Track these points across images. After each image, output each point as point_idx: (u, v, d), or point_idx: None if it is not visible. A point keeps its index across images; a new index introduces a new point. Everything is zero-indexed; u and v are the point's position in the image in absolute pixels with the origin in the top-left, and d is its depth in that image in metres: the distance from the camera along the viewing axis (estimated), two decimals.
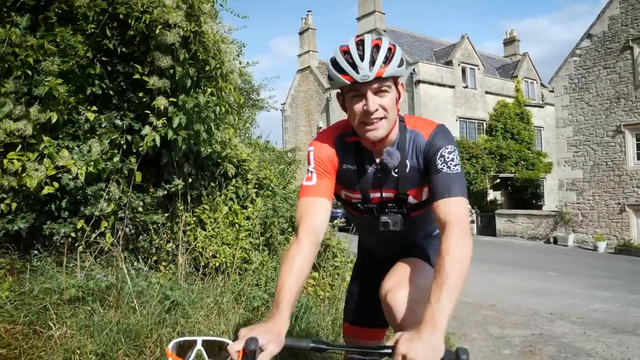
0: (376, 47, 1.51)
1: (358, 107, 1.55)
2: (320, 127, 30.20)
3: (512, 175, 26.23)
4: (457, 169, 1.59)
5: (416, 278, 1.69)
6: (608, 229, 17.47)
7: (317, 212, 1.59)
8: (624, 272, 11.95)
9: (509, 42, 34.39)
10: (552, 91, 19.80)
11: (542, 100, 29.45)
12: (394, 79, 1.57)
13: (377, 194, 1.75)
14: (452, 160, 1.59)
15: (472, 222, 21.63)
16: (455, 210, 1.50)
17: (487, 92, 26.92)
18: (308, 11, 32.99)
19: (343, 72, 1.52)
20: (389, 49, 1.53)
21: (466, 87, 26.15)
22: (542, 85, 29.72)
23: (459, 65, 25.77)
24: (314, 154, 1.69)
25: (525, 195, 25.97)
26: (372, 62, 1.49)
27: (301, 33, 32.50)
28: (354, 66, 1.50)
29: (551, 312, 6.75)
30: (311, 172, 1.67)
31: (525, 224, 20.42)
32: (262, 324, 1.29)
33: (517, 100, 27.80)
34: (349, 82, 1.51)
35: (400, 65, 1.55)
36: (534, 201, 26.19)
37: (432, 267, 1.79)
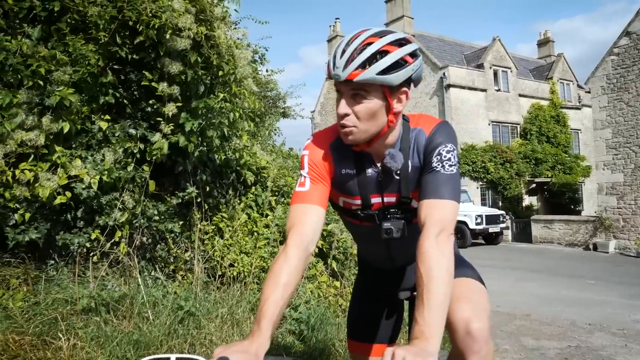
0: (366, 46, 1.35)
1: (336, 106, 1.46)
2: None
3: (548, 179, 25.40)
4: (453, 170, 1.45)
5: (482, 302, 1.53)
6: None
7: (308, 221, 1.46)
8: None
9: (543, 43, 33.42)
10: (589, 92, 19.06)
11: (579, 102, 28.46)
12: (383, 87, 1.38)
13: (378, 199, 1.61)
14: (449, 160, 1.45)
15: (507, 228, 21.00)
16: (437, 214, 1.37)
17: (520, 95, 26.22)
18: (336, 18, 33.01)
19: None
20: (381, 52, 1.35)
21: (498, 90, 25.54)
22: (578, 86, 28.71)
23: (490, 68, 25.21)
24: (308, 158, 1.57)
25: (563, 200, 25.09)
26: (350, 62, 1.34)
27: (329, 40, 32.57)
28: (334, 60, 1.38)
29: (589, 323, 6.39)
30: (304, 177, 1.54)
31: (562, 230, 19.65)
32: (240, 342, 1.17)
33: (552, 102, 26.97)
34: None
35: (388, 72, 1.35)
36: (572, 206, 25.26)
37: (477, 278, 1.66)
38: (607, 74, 17.72)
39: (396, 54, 1.37)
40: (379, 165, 1.57)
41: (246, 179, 4.68)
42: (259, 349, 1.15)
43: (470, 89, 24.30)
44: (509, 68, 25.93)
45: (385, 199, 1.61)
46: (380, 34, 1.40)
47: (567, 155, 26.33)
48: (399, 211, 1.62)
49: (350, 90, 1.39)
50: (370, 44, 1.36)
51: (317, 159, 1.56)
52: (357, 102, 1.40)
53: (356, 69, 1.35)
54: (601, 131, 17.98)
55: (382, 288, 1.93)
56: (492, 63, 25.33)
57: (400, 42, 1.39)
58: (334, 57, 1.38)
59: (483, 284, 1.66)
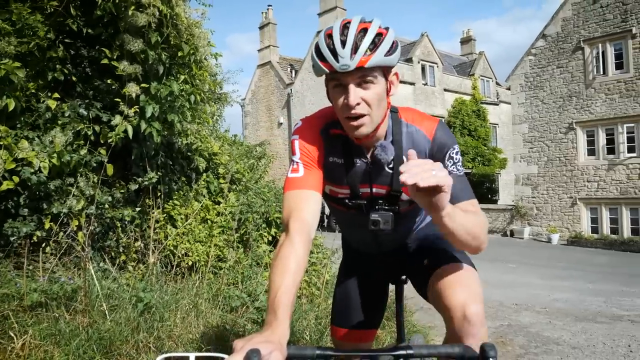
0: (362, 32, 1.34)
1: (340, 99, 1.39)
2: (281, 123, 29.89)
3: (469, 170, 26.89)
4: (462, 170, 1.51)
5: (475, 286, 1.54)
6: (561, 222, 18.20)
7: (307, 207, 1.42)
8: (578, 262, 12.46)
9: (466, 41, 35.19)
10: (509, 89, 20.40)
11: (497, 98, 30.34)
12: (384, 69, 1.40)
13: (367, 189, 1.60)
14: (459, 161, 1.51)
15: None
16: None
17: (445, 90, 27.44)
18: (269, 5, 32.37)
19: (323, 59, 1.35)
20: (378, 34, 1.36)
21: (426, 84, 26.56)
22: (497, 83, 30.60)
23: (418, 62, 26.12)
24: (300, 144, 1.52)
25: (481, 190, 26.72)
26: (355, 50, 1.32)
27: (261, 27, 31.99)
28: (334, 53, 1.33)
29: (516, 303, 6.86)
30: (297, 162, 1.50)
31: None
32: (259, 334, 1.11)
33: (473, 97, 28.50)
34: (328, 71, 1.35)
35: (390, 52, 1.37)
36: (489, 196, 27.00)
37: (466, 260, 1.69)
38: (525, 72, 19.06)
39: (390, 36, 1.38)
40: (368, 156, 1.55)
41: (198, 165, 4.50)
42: (282, 338, 1.10)
43: (399, 82, 24.97)
44: (436, 63, 27.01)
45: (374, 190, 1.60)
46: (364, 20, 1.40)
47: (486, 148, 28.02)
48: (388, 202, 1.61)
49: (358, 78, 1.36)
50: (365, 29, 1.35)
51: (309, 145, 1.52)
52: (365, 88, 1.38)
53: (364, 54, 1.32)
54: (519, 126, 19.34)
55: (370, 273, 1.94)
56: (420, 58, 26.25)
57: (386, 27, 1.41)
58: (331, 50, 1.34)
59: (474, 267, 1.71)
